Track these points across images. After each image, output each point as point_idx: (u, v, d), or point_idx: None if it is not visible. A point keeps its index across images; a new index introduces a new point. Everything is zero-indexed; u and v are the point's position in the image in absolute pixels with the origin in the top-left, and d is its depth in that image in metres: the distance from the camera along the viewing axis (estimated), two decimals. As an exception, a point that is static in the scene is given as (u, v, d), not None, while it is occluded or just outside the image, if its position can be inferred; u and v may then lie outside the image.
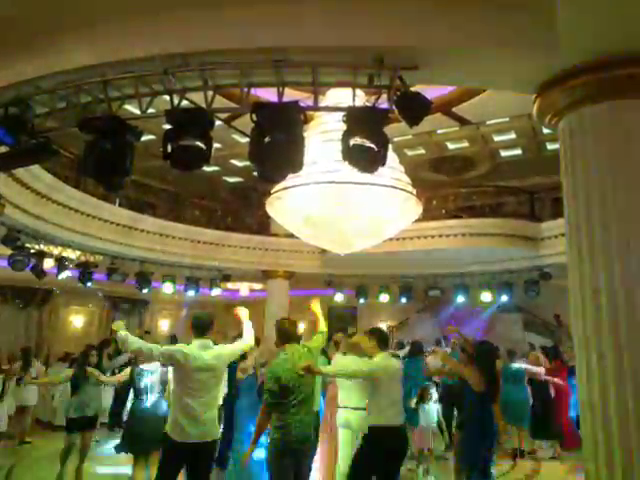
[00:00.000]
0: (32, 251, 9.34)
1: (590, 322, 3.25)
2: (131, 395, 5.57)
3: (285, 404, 3.68)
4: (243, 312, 4.41)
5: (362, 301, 13.55)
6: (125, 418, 5.93)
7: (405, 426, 4.34)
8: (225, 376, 4.58)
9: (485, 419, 4.60)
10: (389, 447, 4.10)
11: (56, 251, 10.33)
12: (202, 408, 3.71)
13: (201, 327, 3.98)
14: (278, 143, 3.29)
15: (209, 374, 3.81)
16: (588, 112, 3.39)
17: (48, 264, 9.94)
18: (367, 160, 3.38)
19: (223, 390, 4.65)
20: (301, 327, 12.56)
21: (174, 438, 3.70)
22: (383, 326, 16.42)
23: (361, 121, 3.37)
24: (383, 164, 3.40)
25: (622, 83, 3.29)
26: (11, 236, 8.55)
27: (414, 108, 3.38)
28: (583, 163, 3.42)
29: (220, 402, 4.12)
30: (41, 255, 9.56)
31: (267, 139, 3.31)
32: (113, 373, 6.86)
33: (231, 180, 14.86)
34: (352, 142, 3.35)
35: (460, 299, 12.51)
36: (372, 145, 3.31)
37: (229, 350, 4.16)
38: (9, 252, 8.76)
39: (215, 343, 4.14)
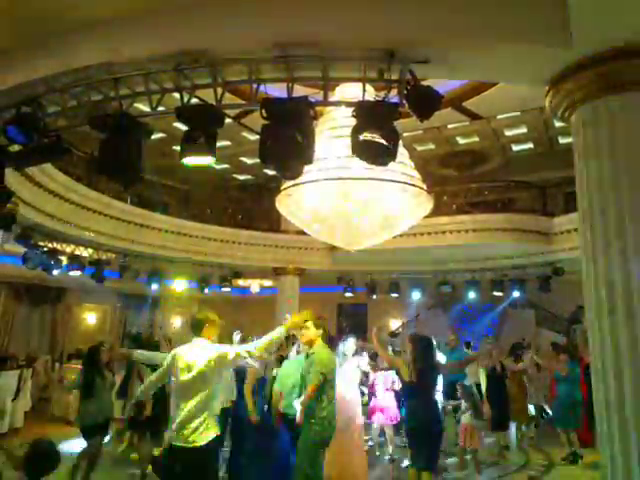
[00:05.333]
0: (45, 249, 9.45)
1: (605, 318, 3.19)
2: None
3: None
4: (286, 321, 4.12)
5: (373, 298, 13.53)
6: None
7: None
8: None
9: (418, 409, 4.69)
10: None
11: (69, 249, 10.45)
12: (187, 412, 3.50)
13: (192, 327, 3.83)
14: (288, 138, 3.28)
15: (193, 376, 3.56)
16: (602, 104, 3.33)
17: (61, 262, 10.06)
18: (377, 154, 3.36)
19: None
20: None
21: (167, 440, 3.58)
22: (395, 323, 16.44)
23: (371, 115, 3.35)
24: (394, 158, 3.38)
25: (636, 74, 3.24)
26: (24, 234, 8.66)
27: (425, 102, 3.35)
28: (597, 156, 3.36)
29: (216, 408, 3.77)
30: (54, 253, 9.67)
31: (277, 135, 3.31)
32: None
33: (241, 177, 14.91)
34: (362, 137, 3.33)
35: (471, 295, 12.44)
36: (382, 140, 3.29)
37: (219, 352, 3.71)
38: (23, 250, 8.88)
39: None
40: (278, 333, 3.90)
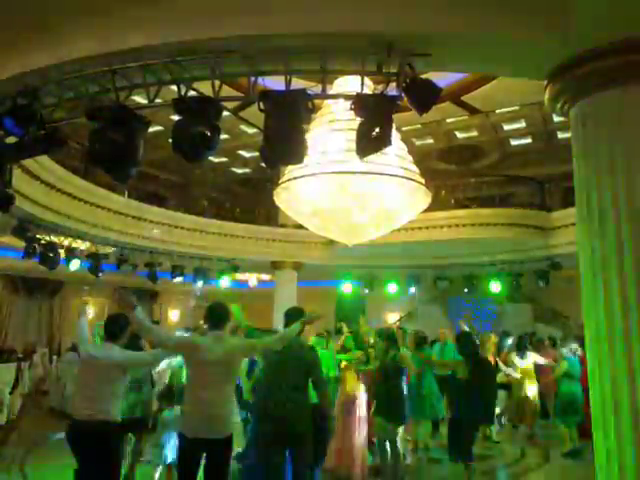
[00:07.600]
0: (42, 242, 9.41)
1: (602, 316, 3.16)
2: None
3: None
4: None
5: (370, 292, 13.54)
6: None
7: None
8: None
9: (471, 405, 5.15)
10: None
11: (66, 242, 10.41)
12: (211, 404, 3.56)
13: (214, 318, 3.83)
14: (282, 132, 3.28)
15: (220, 368, 3.63)
16: (601, 98, 3.31)
17: (58, 255, 10.01)
18: (373, 144, 3.36)
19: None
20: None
21: (185, 433, 3.60)
22: (392, 317, 16.47)
23: (370, 108, 3.33)
24: (389, 144, 3.38)
25: (636, 68, 3.22)
26: (21, 227, 8.62)
27: (424, 95, 3.33)
28: (595, 150, 3.35)
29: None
30: (51, 246, 9.63)
31: (273, 127, 3.30)
32: None
33: (239, 171, 14.86)
34: (362, 128, 3.33)
35: (469, 290, 12.45)
36: (379, 129, 3.29)
37: (246, 344, 4.01)
38: (20, 243, 8.84)
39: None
40: (294, 329, 4.00)
